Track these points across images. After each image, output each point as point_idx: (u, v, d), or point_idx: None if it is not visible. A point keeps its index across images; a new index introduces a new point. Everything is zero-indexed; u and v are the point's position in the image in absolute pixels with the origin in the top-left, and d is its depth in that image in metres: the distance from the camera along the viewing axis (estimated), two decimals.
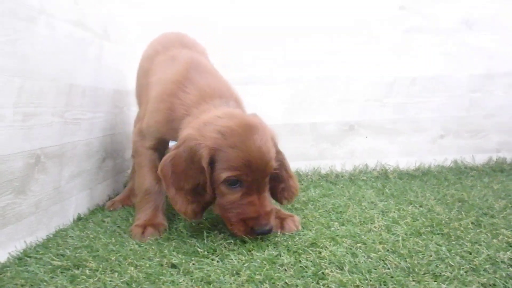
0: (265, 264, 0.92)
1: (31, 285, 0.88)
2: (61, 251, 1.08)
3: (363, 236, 1.08)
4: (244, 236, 1.07)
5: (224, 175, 1.04)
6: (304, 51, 1.99)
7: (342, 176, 1.90)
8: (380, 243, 1.03)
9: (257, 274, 0.86)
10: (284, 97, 2.02)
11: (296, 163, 2.00)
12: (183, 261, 0.96)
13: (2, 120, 1.01)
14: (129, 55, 1.94)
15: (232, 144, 1.04)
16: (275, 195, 1.21)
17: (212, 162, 1.05)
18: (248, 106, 1.96)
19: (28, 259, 1.03)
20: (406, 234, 1.09)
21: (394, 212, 1.30)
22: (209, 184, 1.06)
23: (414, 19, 1.96)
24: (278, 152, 1.17)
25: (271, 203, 1.12)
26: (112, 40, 1.79)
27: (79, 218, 1.42)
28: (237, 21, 1.98)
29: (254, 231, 1.06)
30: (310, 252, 0.98)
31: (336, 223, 1.21)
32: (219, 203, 1.10)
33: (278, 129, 1.98)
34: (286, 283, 0.83)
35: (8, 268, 0.97)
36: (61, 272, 0.94)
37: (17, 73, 1.08)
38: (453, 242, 1.01)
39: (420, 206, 1.37)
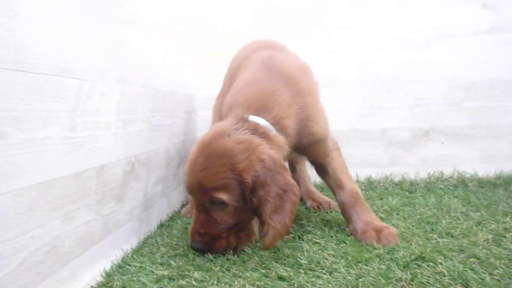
0: (381, 280, 0.88)
1: None
2: (159, 259, 1.07)
3: (473, 250, 1.01)
4: None
5: None
6: (370, 53, 1.93)
7: (417, 184, 1.82)
8: (496, 258, 0.96)
9: None
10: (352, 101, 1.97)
11: (367, 170, 1.95)
12: (291, 273, 0.93)
13: (108, 128, 1.03)
14: (196, 62, 1.94)
15: (188, 156, 1.10)
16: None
17: None
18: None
19: (128, 267, 1.04)
20: None
21: (493, 223, 1.22)
22: None
23: (497, 18, 1.86)
24: (262, 186, 1.01)
25: (212, 227, 1.06)
26: (186, 48, 1.80)
27: (161, 225, 1.43)
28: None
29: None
30: (424, 266, 0.93)
31: (435, 235, 1.15)
32: None
33: (346, 134, 1.97)
34: None
35: (114, 277, 0.97)
36: (168, 282, 0.94)
37: (120, 79, 1.09)
38: None
39: None
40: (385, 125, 1.96)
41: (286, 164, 1.13)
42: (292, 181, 1.05)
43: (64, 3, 0.87)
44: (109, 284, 0.94)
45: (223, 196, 1.02)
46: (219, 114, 1.40)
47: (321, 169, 1.30)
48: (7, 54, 0.69)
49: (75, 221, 0.88)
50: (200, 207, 1.07)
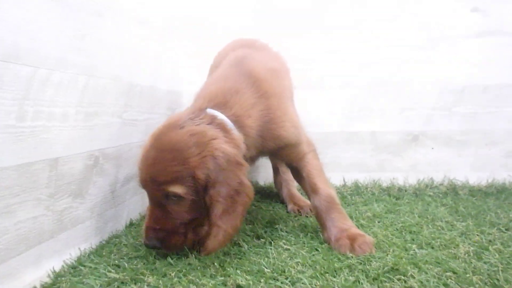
0: None
1: None
2: (116, 261, 1.01)
3: (450, 264, 0.94)
4: None
5: None
6: (360, 55, 1.86)
7: (405, 191, 1.75)
8: (473, 273, 0.89)
9: None
10: (340, 103, 1.90)
11: (354, 174, 1.88)
12: (250, 282, 0.86)
13: (65, 120, 0.96)
14: (184, 55, 1.89)
15: (141, 149, 1.04)
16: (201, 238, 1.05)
17: None
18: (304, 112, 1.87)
19: (82, 268, 0.97)
20: (501, 263, 0.94)
21: (477, 235, 1.15)
22: None
23: (487, 22, 1.78)
24: (213, 185, 0.97)
25: (168, 222, 1.01)
26: (169, 40, 1.74)
27: (131, 224, 1.37)
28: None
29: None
30: (394, 280, 0.86)
31: (414, 245, 1.08)
32: None
33: (334, 136, 1.90)
34: None
35: (63, 278, 0.91)
36: (118, 286, 0.87)
37: (83, 71, 1.03)
38: None
39: (507, 230, 1.21)
40: (374, 128, 1.89)
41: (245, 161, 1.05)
42: (246, 181, 1.01)
43: None
44: (55, 286, 0.88)
45: (178, 190, 0.97)
46: None
47: (296, 172, 1.24)
48: None
49: (17, 216, 0.81)
50: (154, 201, 1.01)
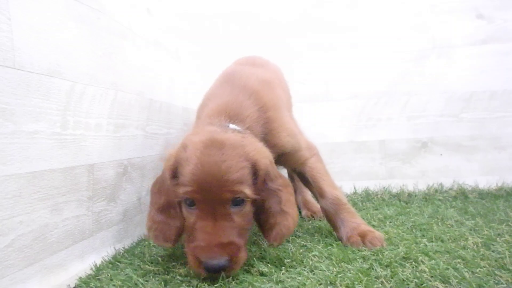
0: (360, 275, 0.88)
1: (128, 286, 0.89)
2: (149, 257, 1.10)
3: (460, 252, 1.00)
4: (196, 272, 0.91)
5: (179, 190, 0.94)
6: (367, 65, 1.96)
7: (415, 196, 1.81)
8: (481, 259, 0.95)
9: (356, 285, 0.82)
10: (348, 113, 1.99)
11: (364, 182, 1.95)
12: (272, 270, 0.94)
13: (99, 130, 1.07)
14: (194, 75, 2.01)
15: (189, 157, 0.94)
16: (263, 231, 1.03)
17: (175, 174, 0.98)
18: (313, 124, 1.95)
19: (119, 264, 1.06)
20: (509, 252, 1.00)
21: (487, 230, 1.21)
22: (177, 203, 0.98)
23: (492, 28, 1.87)
24: (272, 179, 1.00)
25: (239, 239, 0.93)
26: (182, 61, 1.86)
27: None
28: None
29: (201, 263, 0.89)
30: (406, 265, 0.93)
31: (424, 239, 1.14)
32: (185, 226, 0.98)
33: (343, 147, 1.98)
34: None
35: (103, 271, 1.00)
36: (153, 277, 0.96)
37: (111, 85, 1.15)
38: None
39: None
40: (383, 137, 1.96)
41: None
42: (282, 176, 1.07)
43: (58, 13, 0.94)
44: (98, 277, 0.97)
45: (246, 190, 0.93)
46: None
47: (301, 177, 1.31)
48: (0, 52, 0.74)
49: (64, 213, 0.91)
50: (217, 211, 0.92)
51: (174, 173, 0.98)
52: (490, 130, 1.89)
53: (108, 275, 0.97)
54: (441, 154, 1.92)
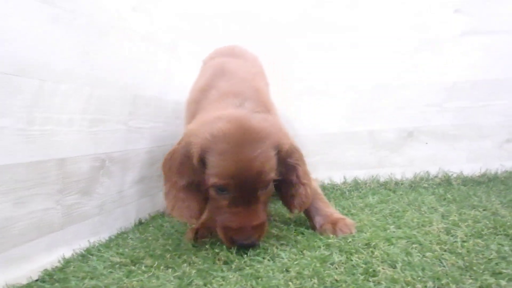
0: (315, 262, 0.90)
1: (91, 278, 0.93)
2: (120, 250, 1.14)
3: (419, 238, 1.02)
4: (227, 244, 1.03)
5: (211, 180, 1.00)
6: (355, 59, 1.96)
7: (402, 184, 1.82)
8: (437, 244, 0.97)
9: (306, 270, 0.85)
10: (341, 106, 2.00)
11: (354, 171, 1.96)
12: (236, 259, 0.97)
13: (71, 125, 1.11)
14: (191, 68, 2.04)
15: (221, 151, 0.98)
16: (285, 202, 1.15)
17: (203, 162, 1.02)
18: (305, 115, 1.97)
19: (90, 256, 1.10)
20: (466, 236, 1.02)
21: (455, 215, 1.22)
22: (202, 183, 1.03)
23: (470, 22, 1.87)
24: (290, 155, 1.08)
25: (264, 215, 1.04)
26: (179, 54, 1.89)
27: (140, 223, 1.50)
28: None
29: (234, 241, 1.01)
30: (363, 251, 0.95)
31: (392, 226, 1.16)
32: (210, 204, 1.08)
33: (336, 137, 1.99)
34: (335, 279, 0.81)
35: (71, 263, 1.04)
36: (119, 268, 0.99)
37: (87, 82, 1.18)
38: None
39: (484, 210, 1.27)
40: (371, 127, 1.97)
41: None
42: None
43: (30, 12, 0.97)
44: (64, 269, 1.00)
45: (274, 174, 1.03)
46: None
47: None
48: None
49: (29, 207, 0.95)
50: (248, 198, 1.00)
51: (202, 161, 1.02)
52: (474, 119, 1.89)
53: (74, 267, 1.00)
54: (426, 143, 1.92)
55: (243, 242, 1.00)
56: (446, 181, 1.79)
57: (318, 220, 1.20)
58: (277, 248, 1.04)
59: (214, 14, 2.03)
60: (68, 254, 1.08)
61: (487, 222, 1.10)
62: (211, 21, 2.02)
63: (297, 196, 1.11)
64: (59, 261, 1.04)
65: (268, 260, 0.96)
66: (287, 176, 1.09)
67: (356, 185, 1.88)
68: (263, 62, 1.67)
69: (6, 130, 0.89)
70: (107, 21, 1.30)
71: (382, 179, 1.92)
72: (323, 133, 2.00)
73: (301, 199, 1.11)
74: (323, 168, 1.96)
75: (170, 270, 0.94)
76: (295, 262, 0.91)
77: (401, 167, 1.95)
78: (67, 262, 1.05)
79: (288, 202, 1.13)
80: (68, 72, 1.11)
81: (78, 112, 1.15)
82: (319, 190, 1.27)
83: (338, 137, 2.00)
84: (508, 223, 1.06)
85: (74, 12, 1.13)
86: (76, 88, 1.13)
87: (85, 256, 1.10)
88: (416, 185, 1.79)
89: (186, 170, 1.05)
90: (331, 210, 1.23)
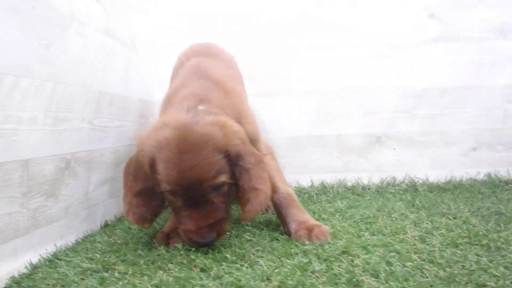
0: (296, 271, 0.89)
1: (62, 285, 0.88)
2: (90, 254, 1.08)
3: (396, 246, 1.04)
4: (189, 245, 1.06)
5: (162, 186, 1.04)
6: (325, 62, 1.98)
7: (369, 189, 1.86)
8: (415, 253, 0.98)
9: (290, 280, 0.84)
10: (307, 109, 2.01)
11: (321, 175, 1.97)
12: (213, 265, 0.94)
13: (34, 124, 1.03)
14: (154, 65, 1.98)
15: (165, 158, 1.02)
16: (240, 207, 1.12)
17: (154, 169, 1.05)
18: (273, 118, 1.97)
19: (58, 261, 1.04)
20: (442, 245, 1.04)
21: (427, 223, 1.25)
22: (157, 187, 1.06)
23: (443, 28, 1.93)
24: (242, 158, 1.07)
25: (220, 212, 1.06)
26: (139, 50, 1.82)
27: (106, 225, 1.43)
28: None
29: (194, 241, 1.05)
30: (342, 260, 0.95)
31: (367, 233, 1.17)
32: (169, 207, 1.12)
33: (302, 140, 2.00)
34: None
35: (39, 269, 0.97)
36: (91, 274, 0.94)
37: (49, 78, 1.10)
38: (494, 253, 0.96)
39: (454, 218, 1.31)
40: (339, 131, 1.99)
41: None
42: (259, 152, 1.14)
43: None
44: (32, 276, 0.94)
45: (224, 178, 1.04)
46: None
47: None
48: None
49: None
50: (198, 200, 1.03)
51: (152, 168, 1.05)
52: (441, 126, 1.95)
53: (43, 273, 0.94)
54: (394, 149, 1.97)
55: (201, 241, 1.03)
56: (413, 187, 1.84)
57: (292, 226, 1.19)
58: (253, 254, 1.02)
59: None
60: (34, 259, 1.01)
61: (460, 231, 1.13)
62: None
63: (249, 203, 1.07)
64: (26, 267, 0.97)
65: (247, 267, 0.94)
66: (242, 181, 1.07)
67: (324, 188, 1.90)
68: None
69: None
70: (70, 12, 1.22)
71: (349, 184, 1.94)
72: (289, 136, 2.00)
73: (252, 205, 1.07)
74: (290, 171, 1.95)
75: (145, 277, 0.90)
76: (276, 270, 0.90)
77: (368, 172, 1.98)
78: (34, 267, 0.98)
79: (241, 207, 1.10)
80: (29, 67, 1.02)
81: (41, 110, 1.07)
82: (295, 197, 1.26)
83: (305, 140, 2.00)
84: (481, 233, 1.10)
85: (33, 0, 1.05)
86: (38, 83, 1.05)
87: (52, 261, 1.03)
88: (383, 190, 1.83)
89: (140, 176, 1.09)
90: (306, 216, 1.23)
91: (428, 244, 1.05)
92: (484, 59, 1.92)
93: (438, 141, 1.96)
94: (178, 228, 1.09)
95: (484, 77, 1.93)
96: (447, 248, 1.02)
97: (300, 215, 1.21)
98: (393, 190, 1.81)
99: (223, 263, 0.96)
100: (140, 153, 1.08)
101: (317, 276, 0.87)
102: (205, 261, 0.97)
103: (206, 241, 1.04)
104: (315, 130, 2.00)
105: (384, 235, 1.16)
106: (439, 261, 0.92)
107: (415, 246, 1.03)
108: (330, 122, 2.00)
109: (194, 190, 1.01)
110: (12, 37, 0.96)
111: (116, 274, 0.93)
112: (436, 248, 1.01)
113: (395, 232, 1.17)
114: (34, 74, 1.03)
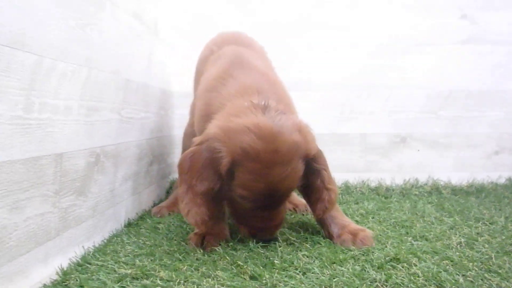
0: (354, 279, 0.84)
1: None
2: (122, 258, 1.01)
3: (447, 253, 0.99)
4: (247, 236, 1.10)
5: (239, 191, 1.01)
6: (352, 58, 1.93)
7: (393, 190, 1.82)
8: (468, 261, 0.94)
9: None
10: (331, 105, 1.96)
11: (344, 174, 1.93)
12: (264, 273, 0.88)
13: (69, 114, 0.96)
14: (176, 54, 1.91)
15: (252, 170, 0.98)
16: (309, 206, 1.17)
17: (231, 173, 1.00)
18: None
19: (88, 265, 0.96)
20: (492, 252, 1.00)
21: (466, 228, 1.22)
22: (224, 190, 1.03)
23: (473, 29, 1.89)
24: (316, 160, 1.08)
25: (285, 211, 1.12)
26: (161, 37, 1.75)
27: (129, 224, 1.36)
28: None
29: (256, 236, 1.08)
30: (399, 268, 0.90)
31: (409, 237, 1.13)
32: (230, 206, 1.11)
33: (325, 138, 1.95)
34: None
35: (71, 275, 0.90)
36: (131, 282, 0.87)
37: (84, 62, 1.02)
38: None
39: (491, 224, 1.28)
40: (363, 130, 1.95)
41: None
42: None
43: None
44: (65, 283, 0.87)
45: (301, 182, 1.07)
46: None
47: None
48: None
49: (26, 212, 0.80)
50: (276, 205, 1.05)
51: (229, 173, 1.00)
52: (465, 128, 1.93)
53: (77, 280, 0.87)
54: (418, 150, 1.93)
55: (266, 239, 1.06)
56: (436, 190, 1.81)
57: (334, 230, 1.14)
58: (301, 260, 0.97)
59: (214, 14, 1.95)
60: (64, 263, 0.94)
61: (504, 237, 1.09)
62: (211, 21, 1.93)
63: (321, 201, 1.10)
64: (57, 273, 0.90)
65: (299, 274, 0.89)
66: (312, 181, 1.09)
67: (347, 188, 1.86)
68: None
69: (2, 119, 0.72)
70: None
71: (372, 184, 1.91)
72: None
73: (324, 204, 1.10)
74: None
75: (194, 285, 0.84)
76: (334, 279, 0.84)
77: (390, 172, 1.95)
78: (65, 274, 0.90)
79: (312, 206, 1.14)
80: (66, 48, 0.94)
81: (76, 98, 0.99)
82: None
83: (328, 138, 1.96)
84: None
85: None
86: (74, 68, 0.97)
87: (83, 265, 0.96)
88: (407, 192, 1.79)
89: (208, 176, 1.01)
90: (347, 219, 1.18)
91: (477, 252, 1.01)
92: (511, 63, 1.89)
93: (461, 144, 1.94)
94: (220, 233, 1.11)
95: (510, 81, 1.90)
96: (499, 256, 0.98)
97: (341, 218, 1.16)
98: (417, 192, 1.77)
99: (273, 269, 0.91)
100: (215, 152, 0.99)
101: (378, 285, 0.82)
102: (252, 267, 0.91)
103: (271, 238, 1.07)
104: (315, 130, 1.96)
105: (427, 240, 1.12)
106: (499, 270, 0.88)
107: (466, 254, 0.99)
108: (354, 120, 1.95)
109: (276, 198, 1.02)
110: (50, 13, 0.87)
111: (159, 282, 0.86)
112: (488, 256, 0.97)
113: (438, 238, 1.13)
114: (69, 58, 0.95)
